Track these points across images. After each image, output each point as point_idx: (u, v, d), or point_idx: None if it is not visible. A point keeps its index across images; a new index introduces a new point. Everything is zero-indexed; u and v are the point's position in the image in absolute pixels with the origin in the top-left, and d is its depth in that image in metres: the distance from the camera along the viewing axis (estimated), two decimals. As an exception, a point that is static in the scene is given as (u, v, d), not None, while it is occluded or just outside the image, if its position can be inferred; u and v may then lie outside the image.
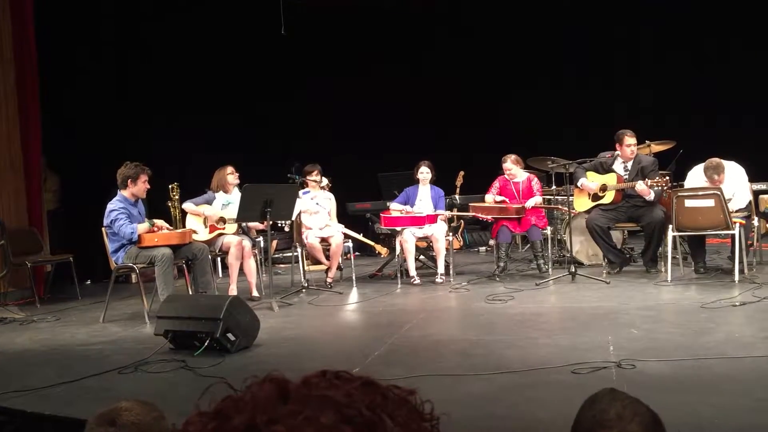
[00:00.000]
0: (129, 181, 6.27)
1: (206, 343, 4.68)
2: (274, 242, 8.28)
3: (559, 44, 10.44)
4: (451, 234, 7.91)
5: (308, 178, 7.72)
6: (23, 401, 3.82)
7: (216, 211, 7.03)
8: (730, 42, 9.78)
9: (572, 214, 7.65)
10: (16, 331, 6.02)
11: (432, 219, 7.56)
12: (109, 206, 6.21)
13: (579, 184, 7.49)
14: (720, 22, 9.72)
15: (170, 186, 7.61)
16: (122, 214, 6.14)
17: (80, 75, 8.62)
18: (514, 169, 7.71)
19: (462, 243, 10.23)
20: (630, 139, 7.21)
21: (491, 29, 10.60)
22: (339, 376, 0.76)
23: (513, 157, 7.73)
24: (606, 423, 1.31)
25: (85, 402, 3.80)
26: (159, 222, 6.49)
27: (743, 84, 9.66)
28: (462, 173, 9.46)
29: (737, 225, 6.40)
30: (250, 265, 6.97)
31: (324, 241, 7.58)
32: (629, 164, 7.29)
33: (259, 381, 0.75)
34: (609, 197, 7.33)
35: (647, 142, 8.11)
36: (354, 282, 7.58)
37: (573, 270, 6.98)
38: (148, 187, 6.43)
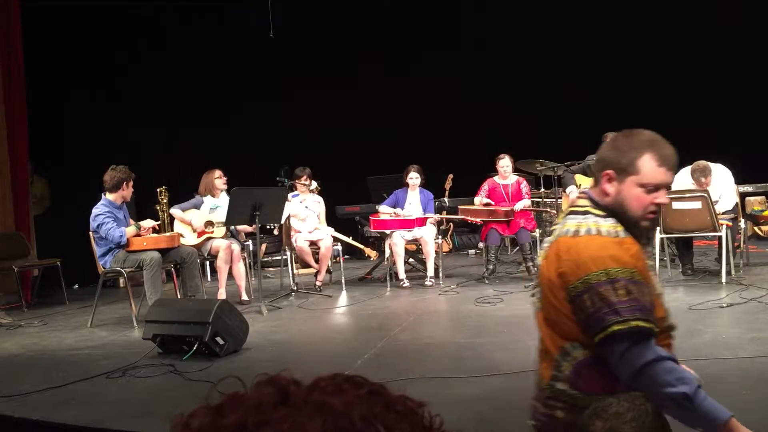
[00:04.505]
0: (123, 184, 6.27)
1: (195, 347, 4.67)
2: (263, 245, 8.27)
3: (549, 49, 10.48)
4: (440, 237, 7.92)
5: (298, 182, 7.72)
6: (10, 406, 3.79)
7: (203, 218, 7.00)
8: (721, 44, 9.84)
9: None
10: (3, 336, 5.97)
11: (421, 222, 7.57)
12: (95, 211, 6.18)
13: (567, 191, 7.52)
14: (711, 26, 9.80)
15: (158, 190, 7.58)
16: (109, 218, 6.12)
17: (68, 80, 8.58)
18: (511, 165, 7.75)
19: (451, 246, 10.26)
20: (618, 142, 7.23)
21: (486, 34, 10.64)
22: (349, 379, 0.76)
23: (508, 156, 7.78)
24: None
25: (72, 407, 3.78)
26: (146, 223, 6.44)
27: (729, 87, 9.74)
28: (451, 176, 9.47)
29: (724, 227, 6.44)
30: (239, 269, 6.95)
31: (313, 244, 7.57)
32: (617, 167, 7.31)
33: (266, 380, 0.75)
34: (597, 200, 7.34)
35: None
36: (343, 285, 7.57)
37: (562, 272, 6.99)
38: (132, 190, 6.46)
